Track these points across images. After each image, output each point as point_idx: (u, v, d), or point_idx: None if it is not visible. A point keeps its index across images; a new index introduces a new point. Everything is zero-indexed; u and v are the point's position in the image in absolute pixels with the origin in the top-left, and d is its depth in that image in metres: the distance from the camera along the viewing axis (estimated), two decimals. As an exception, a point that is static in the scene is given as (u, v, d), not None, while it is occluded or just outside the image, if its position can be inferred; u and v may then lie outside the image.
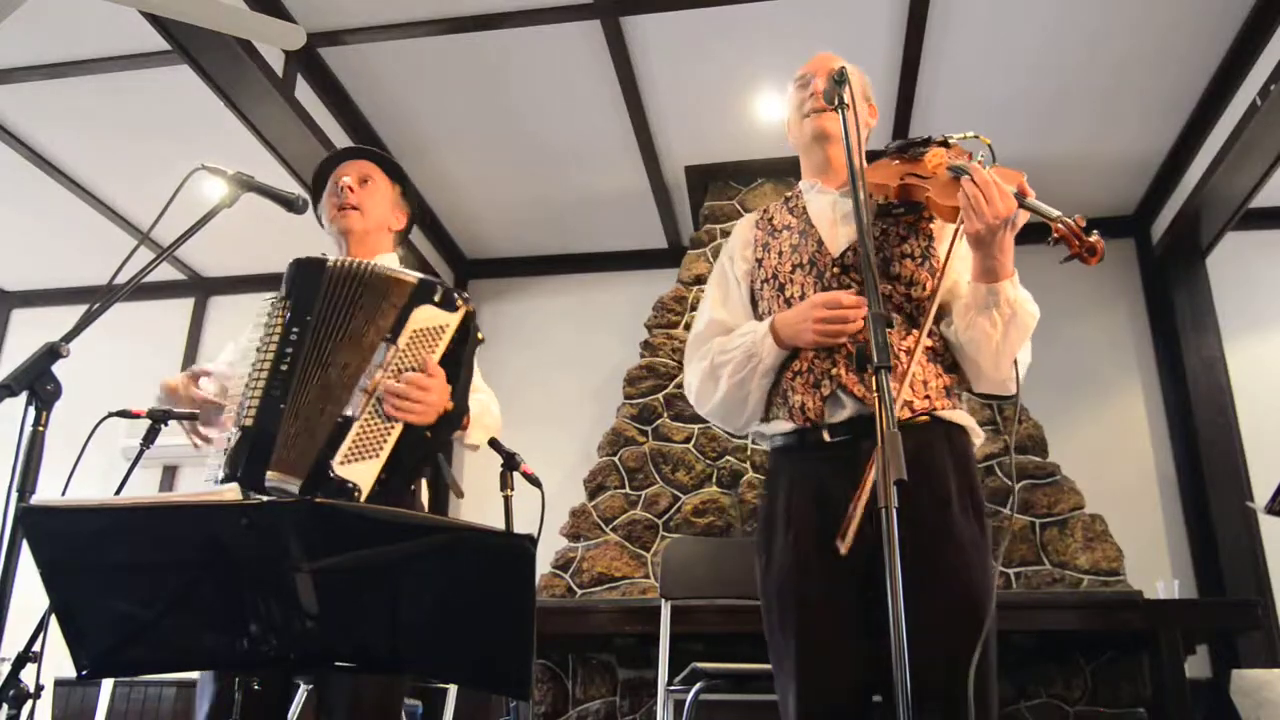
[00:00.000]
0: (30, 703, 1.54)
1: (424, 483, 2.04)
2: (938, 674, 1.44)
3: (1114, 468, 4.61)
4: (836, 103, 1.64)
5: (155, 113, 4.31)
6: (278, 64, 3.91)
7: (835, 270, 1.71)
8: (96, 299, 1.56)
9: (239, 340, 2.05)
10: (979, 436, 1.71)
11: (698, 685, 2.56)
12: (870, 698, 1.55)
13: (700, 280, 4.85)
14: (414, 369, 1.72)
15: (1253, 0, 3.66)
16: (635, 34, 3.94)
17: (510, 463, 2.31)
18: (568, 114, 4.43)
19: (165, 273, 5.60)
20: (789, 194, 1.92)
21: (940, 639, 1.46)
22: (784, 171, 4.87)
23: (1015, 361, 1.64)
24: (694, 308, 4.79)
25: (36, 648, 1.66)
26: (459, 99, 4.34)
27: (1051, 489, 4.16)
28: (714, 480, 4.39)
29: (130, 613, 1.20)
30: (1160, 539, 4.54)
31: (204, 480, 1.74)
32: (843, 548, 1.45)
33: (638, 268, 5.53)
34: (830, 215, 1.80)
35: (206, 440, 1.90)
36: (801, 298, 1.71)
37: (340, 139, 4.36)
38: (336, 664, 1.27)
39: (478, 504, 5.19)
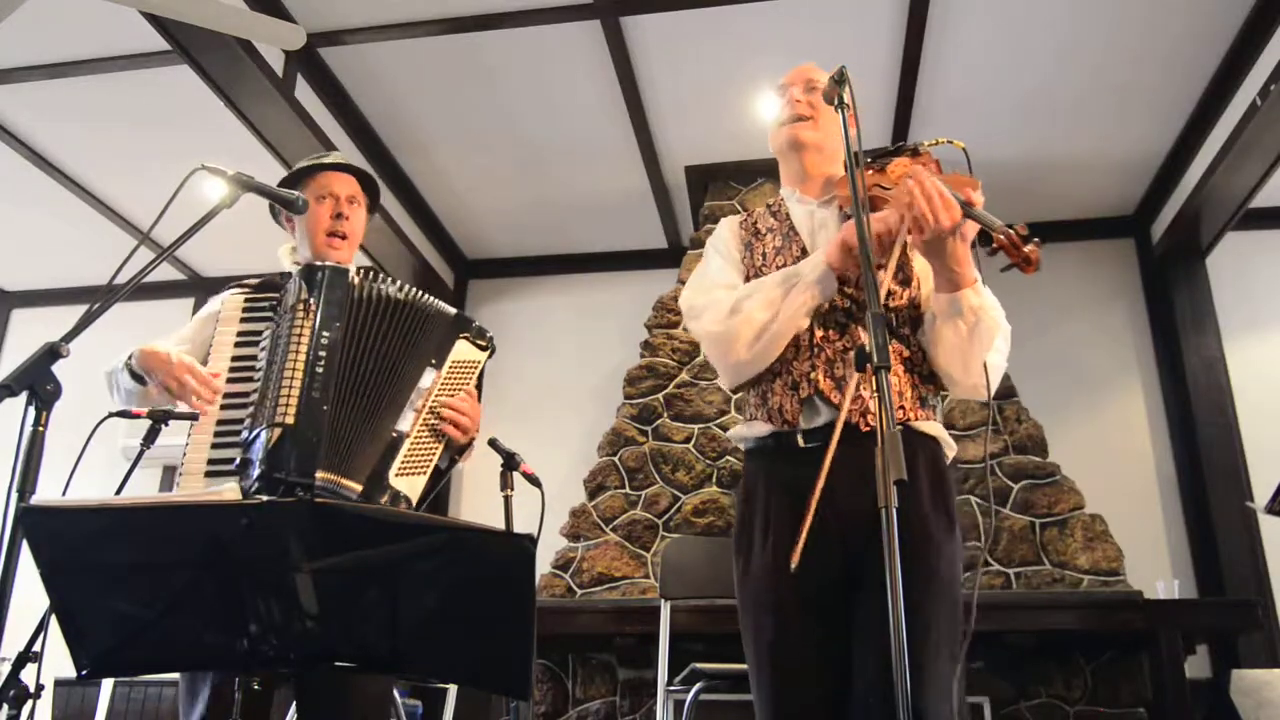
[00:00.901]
0: (30, 703, 1.54)
1: None
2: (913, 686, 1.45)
3: (1114, 468, 4.61)
4: (836, 103, 1.63)
5: (155, 112, 4.31)
6: (278, 64, 3.91)
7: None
8: (96, 299, 1.56)
9: (185, 330, 2.03)
10: (951, 448, 1.71)
11: (697, 685, 2.57)
12: (842, 702, 1.55)
13: (700, 280, 4.84)
14: (454, 394, 1.88)
15: (1253, 0, 3.66)
16: (635, 34, 3.93)
17: (510, 463, 2.32)
18: (568, 114, 4.43)
19: (165, 273, 5.60)
20: (770, 201, 1.92)
21: (917, 629, 1.47)
22: (784, 171, 4.87)
23: (986, 367, 1.62)
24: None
25: (36, 648, 1.66)
26: (459, 99, 4.34)
27: (1051, 489, 4.16)
28: (714, 480, 4.39)
29: (130, 613, 1.20)
30: (1160, 539, 4.54)
31: (181, 474, 1.73)
32: (793, 562, 1.46)
33: (638, 268, 5.53)
34: (809, 224, 1.79)
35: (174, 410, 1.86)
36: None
37: (340, 139, 4.36)
38: (337, 664, 1.27)
39: (478, 504, 5.22)
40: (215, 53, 3.60)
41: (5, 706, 1.47)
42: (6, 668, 1.55)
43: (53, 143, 4.60)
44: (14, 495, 1.35)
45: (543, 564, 4.28)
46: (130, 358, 1.89)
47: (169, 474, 5.42)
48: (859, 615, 1.52)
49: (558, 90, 4.28)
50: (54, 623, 1.22)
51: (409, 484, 1.74)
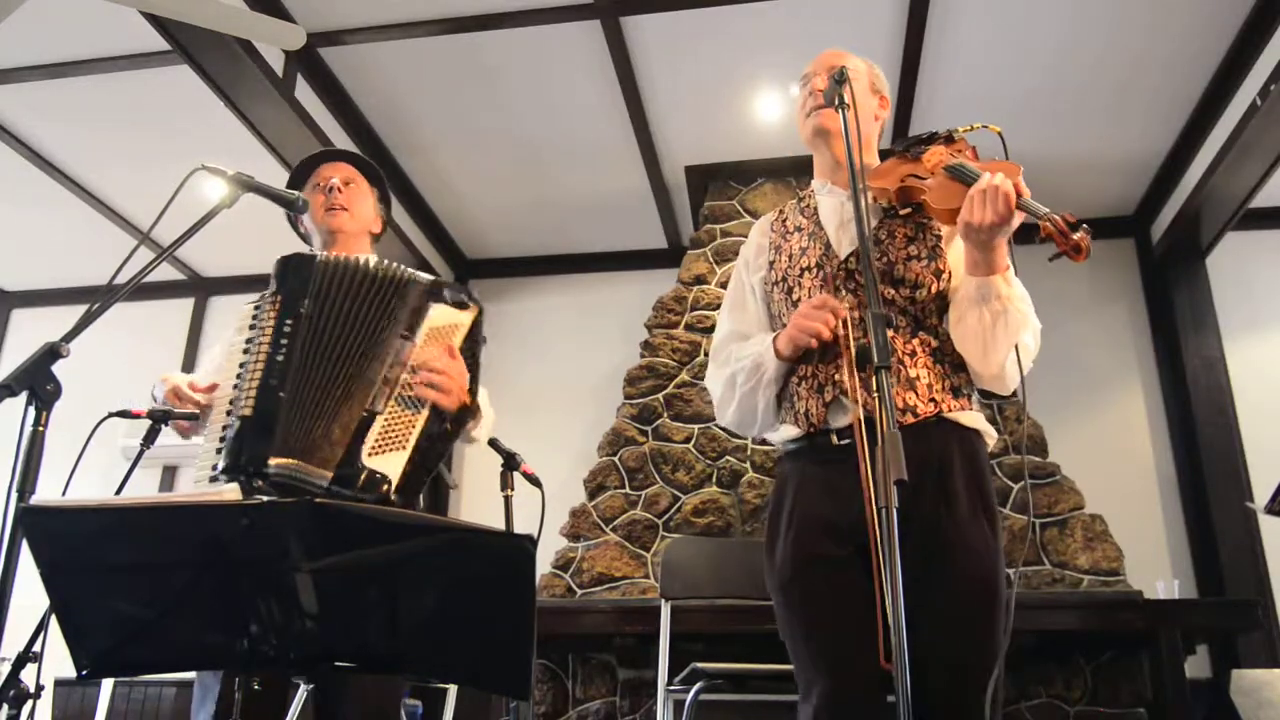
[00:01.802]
0: (30, 703, 1.54)
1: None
2: (940, 677, 1.45)
3: (1114, 468, 4.61)
4: (836, 103, 1.63)
5: (155, 112, 4.31)
6: (278, 64, 3.91)
7: (841, 274, 1.70)
8: (96, 299, 1.56)
9: (216, 349, 2.08)
10: (991, 437, 1.70)
11: (697, 685, 2.56)
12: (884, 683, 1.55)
13: (700, 280, 4.85)
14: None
15: (1253, 0, 3.66)
16: (635, 34, 3.93)
17: (510, 463, 2.32)
18: (568, 114, 4.43)
19: (165, 273, 5.60)
20: (803, 194, 1.92)
21: (945, 643, 1.46)
22: (784, 171, 4.87)
23: (1019, 360, 1.61)
24: (694, 308, 4.80)
25: (36, 648, 1.66)
26: (459, 99, 4.34)
27: (1051, 489, 4.16)
28: (714, 480, 4.39)
29: (130, 613, 1.20)
30: (1160, 539, 4.54)
31: (194, 481, 1.74)
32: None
33: (638, 268, 5.53)
34: (838, 217, 1.79)
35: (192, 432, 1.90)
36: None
37: (340, 139, 4.36)
38: (337, 664, 1.27)
39: (478, 504, 5.22)
40: (215, 53, 3.60)
41: (5, 706, 1.47)
42: (6, 668, 1.55)
43: (53, 143, 4.60)
44: (14, 495, 1.35)
45: (543, 564, 4.28)
46: (153, 387, 1.96)
47: (169, 474, 5.42)
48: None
49: (558, 90, 4.28)
50: (54, 623, 1.22)
51: (385, 462, 1.66)
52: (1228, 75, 3.98)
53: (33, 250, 5.53)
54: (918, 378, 1.62)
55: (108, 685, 4.42)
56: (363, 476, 1.63)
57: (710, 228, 4.96)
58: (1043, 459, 4.23)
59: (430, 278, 1.87)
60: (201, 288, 5.84)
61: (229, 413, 1.74)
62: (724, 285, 2.37)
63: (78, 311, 1.54)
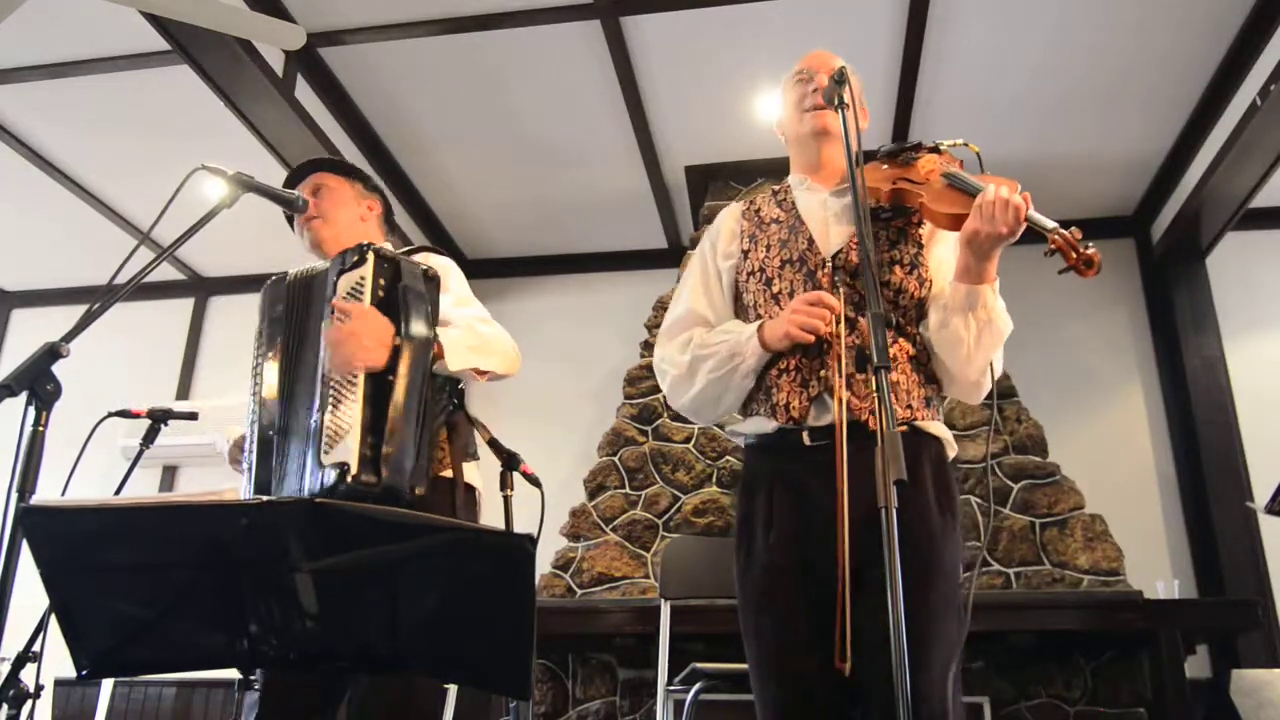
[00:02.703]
0: (30, 703, 1.55)
1: (472, 466, 1.99)
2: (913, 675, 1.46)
3: (1114, 468, 4.61)
4: (836, 103, 1.64)
5: (155, 113, 4.31)
6: (278, 64, 3.91)
7: (826, 270, 1.70)
8: (96, 299, 1.56)
9: None
10: (953, 448, 1.71)
11: (697, 685, 2.57)
12: (844, 699, 1.55)
13: (700, 280, 4.84)
14: None
15: (1253, 0, 3.66)
16: (635, 34, 3.93)
17: (510, 463, 2.31)
18: (568, 114, 4.43)
19: (165, 273, 5.60)
20: (776, 188, 1.91)
21: (919, 627, 1.47)
22: (784, 172, 4.76)
23: (992, 370, 1.64)
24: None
25: (36, 648, 1.67)
26: (459, 99, 4.34)
27: (1051, 489, 4.16)
28: (714, 480, 4.39)
29: (130, 613, 1.20)
30: (1160, 539, 4.54)
31: None
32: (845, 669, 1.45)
33: (638, 268, 5.53)
34: (821, 214, 1.79)
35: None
36: (790, 294, 1.70)
37: (340, 139, 4.36)
38: (336, 664, 1.27)
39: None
40: (215, 53, 3.59)
41: (5, 706, 1.47)
42: (6, 668, 1.55)
43: (53, 143, 4.60)
44: (14, 495, 1.35)
45: (543, 564, 4.28)
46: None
47: (169, 474, 5.42)
48: (861, 613, 1.51)
49: (557, 90, 4.28)
50: (54, 623, 1.22)
51: (339, 452, 1.59)
52: (1228, 75, 3.98)
53: (33, 250, 5.53)
54: (897, 383, 1.64)
55: (108, 685, 4.42)
56: (320, 477, 1.60)
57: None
58: (1043, 459, 4.23)
59: (334, 258, 1.80)
60: (201, 288, 5.84)
61: (248, 466, 1.76)
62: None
63: (78, 311, 1.55)
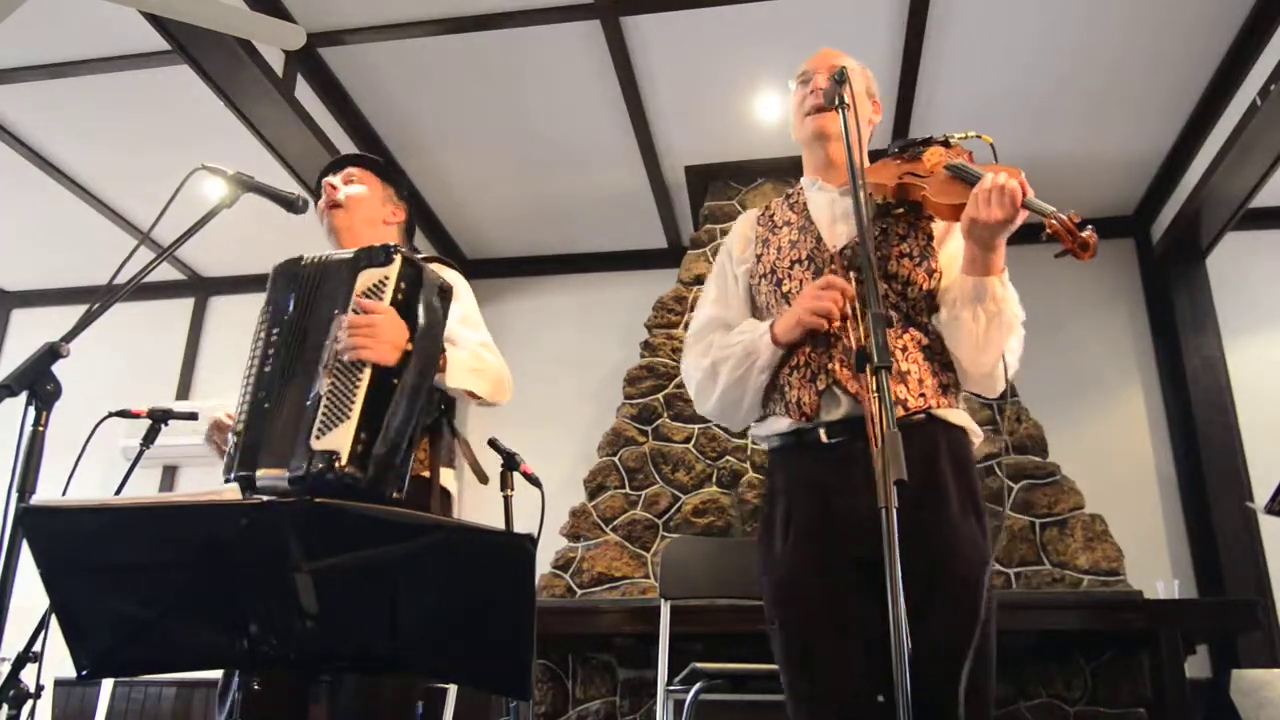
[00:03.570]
0: (30, 703, 1.55)
1: (450, 473, 2.01)
2: (937, 674, 1.44)
3: (1114, 468, 4.61)
4: (836, 103, 1.64)
5: (155, 113, 4.31)
6: (278, 64, 3.91)
7: (833, 266, 1.71)
8: (96, 299, 1.57)
9: None
10: (977, 436, 1.70)
11: (698, 685, 2.57)
12: (876, 697, 1.55)
13: (700, 280, 4.84)
14: None
15: (1253, 0, 3.66)
16: (635, 34, 3.93)
17: (510, 463, 2.32)
18: (568, 114, 4.43)
19: (165, 273, 5.60)
20: (790, 190, 1.93)
21: (940, 639, 1.46)
22: (784, 171, 4.87)
23: (1005, 363, 1.63)
24: (694, 308, 4.78)
25: (36, 648, 1.67)
26: (459, 99, 4.34)
27: (1051, 489, 4.16)
28: (714, 480, 4.39)
29: (130, 613, 1.20)
30: (1160, 539, 4.54)
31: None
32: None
33: (638, 268, 5.53)
34: (829, 212, 1.80)
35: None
36: (800, 293, 1.71)
37: (340, 139, 4.36)
38: (336, 664, 1.27)
39: (478, 504, 5.20)
40: (215, 53, 3.59)
41: (5, 706, 1.47)
42: (6, 668, 1.55)
43: (52, 143, 4.60)
44: (14, 495, 1.35)
45: (543, 564, 4.28)
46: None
47: (169, 474, 5.42)
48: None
49: (557, 90, 4.28)
50: (54, 623, 1.22)
51: (332, 439, 1.58)
52: (1228, 75, 3.98)
53: (33, 250, 5.53)
54: (909, 372, 1.63)
55: (108, 685, 4.42)
56: (309, 460, 1.57)
57: (710, 228, 4.96)
58: (1043, 459, 4.23)
59: (357, 249, 1.81)
60: (201, 288, 5.84)
61: (235, 432, 1.75)
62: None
63: (78, 311, 1.55)
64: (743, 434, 4.40)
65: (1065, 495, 4.13)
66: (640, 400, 4.62)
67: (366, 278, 1.74)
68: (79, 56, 3.99)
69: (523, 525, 1.75)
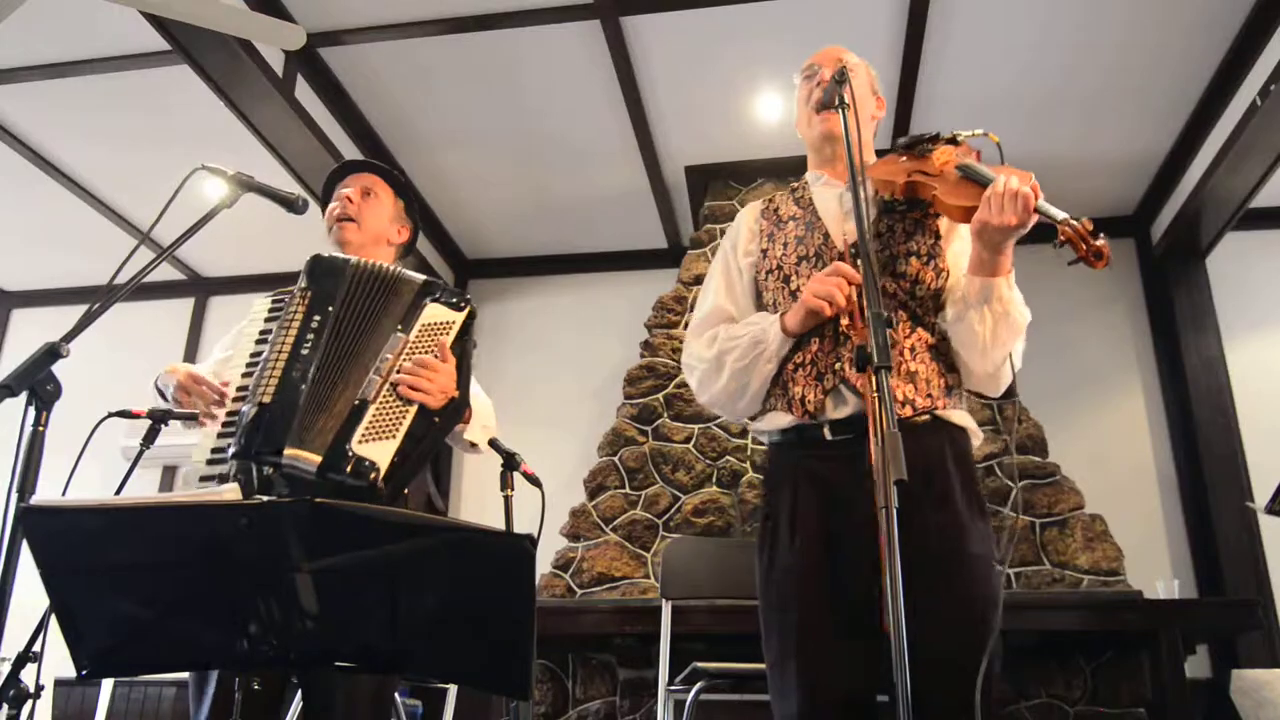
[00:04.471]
0: (30, 703, 1.54)
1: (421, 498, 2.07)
2: (944, 676, 1.44)
3: (1114, 468, 4.61)
4: (837, 103, 1.64)
5: (155, 113, 4.31)
6: (278, 64, 3.91)
7: (846, 262, 1.71)
8: (96, 299, 1.56)
9: (225, 340, 2.08)
10: (978, 437, 1.70)
11: (698, 685, 2.56)
12: (875, 698, 1.54)
13: (700, 280, 4.84)
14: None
15: (1253, 0, 3.66)
16: (635, 34, 3.94)
17: (510, 463, 2.31)
18: (568, 114, 4.43)
19: (165, 273, 5.60)
20: (795, 184, 1.92)
21: (947, 641, 1.46)
22: (784, 171, 4.87)
23: (1011, 363, 1.62)
24: (694, 308, 4.78)
25: (36, 648, 1.66)
26: (459, 99, 4.34)
27: (1051, 489, 4.16)
28: (714, 480, 4.39)
29: (130, 613, 1.20)
30: (1160, 539, 4.54)
31: (192, 463, 1.74)
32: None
33: (638, 268, 5.53)
34: (837, 209, 1.79)
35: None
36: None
37: (340, 139, 4.36)
38: (337, 664, 1.27)
39: (478, 504, 5.22)
40: (215, 53, 3.60)
41: (5, 706, 1.47)
42: (6, 668, 1.55)
43: (53, 143, 4.60)
44: (14, 495, 1.35)
45: (543, 564, 4.28)
46: (157, 378, 1.94)
47: (169, 474, 5.42)
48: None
49: (557, 90, 4.28)
50: (54, 623, 1.22)
51: (374, 450, 1.68)
52: (1228, 75, 3.98)
53: (33, 250, 5.53)
54: (916, 372, 1.63)
55: (108, 685, 4.42)
56: (350, 462, 1.64)
57: (710, 228, 4.96)
58: (1043, 459, 4.23)
59: (425, 277, 1.92)
60: (201, 288, 5.84)
61: (242, 399, 1.74)
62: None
63: (78, 311, 1.55)
64: (743, 434, 4.40)
65: (1065, 495, 4.13)
66: (640, 400, 4.62)
67: (434, 313, 1.85)
68: (79, 56, 3.99)
69: (523, 525, 1.75)
